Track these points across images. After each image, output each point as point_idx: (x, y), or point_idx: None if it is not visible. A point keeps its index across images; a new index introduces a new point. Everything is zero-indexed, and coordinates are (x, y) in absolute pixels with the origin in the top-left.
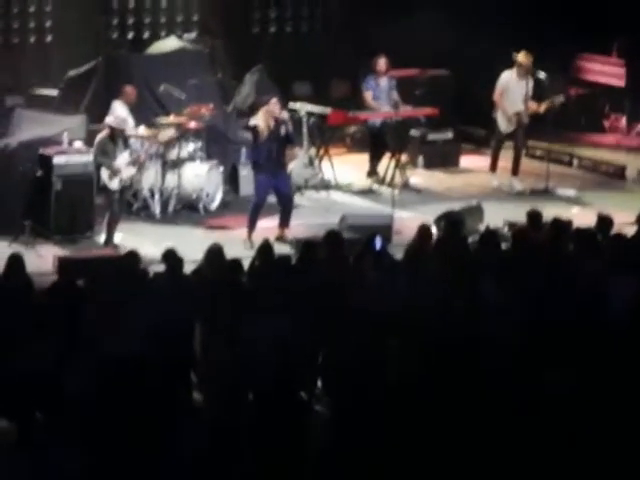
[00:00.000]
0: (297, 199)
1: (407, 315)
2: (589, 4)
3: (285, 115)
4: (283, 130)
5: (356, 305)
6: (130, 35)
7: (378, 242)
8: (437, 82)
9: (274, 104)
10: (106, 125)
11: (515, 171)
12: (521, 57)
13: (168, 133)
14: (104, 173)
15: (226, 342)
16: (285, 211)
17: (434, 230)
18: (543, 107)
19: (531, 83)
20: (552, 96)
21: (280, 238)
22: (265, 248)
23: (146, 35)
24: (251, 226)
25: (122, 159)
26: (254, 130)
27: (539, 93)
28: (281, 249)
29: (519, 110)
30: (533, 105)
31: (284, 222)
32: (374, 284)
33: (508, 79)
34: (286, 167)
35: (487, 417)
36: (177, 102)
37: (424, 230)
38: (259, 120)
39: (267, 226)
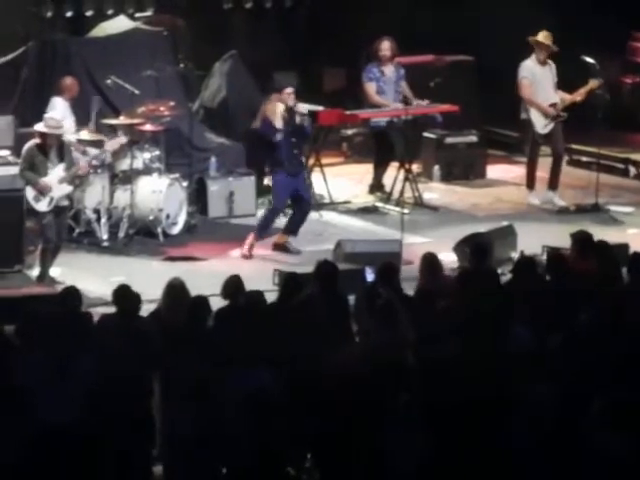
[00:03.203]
0: (280, 221)
1: (412, 370)
2: None
3: (303, 109)
4: (298, 120)
5: (348, 357)
6: (68, 13)
7: (369, 274)
8: (457, 71)
9: (288, 94)
10: (35, 131)
11: (554, 183)
12: (541, 38)
13: (118, 140)
14: (29, 192)
15: (191, 402)
16: (300, 216)
17: (453, 259)
18: (580, 95)
19: (554, 68)
20: (591, 80)
21: (281, 246)
22: (234, 283)
23: (88, 13)
24: (259, 237)
25: (55, 174)
26: (268, 126)
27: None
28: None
29: (554, 103)
30: (566, 96)
31: (294, 229)
32: (367, 329)
33: (531, 69)
34: (305, 166)
35: None
36: (129, 99)
37: (428, 261)
38: (271, 113)
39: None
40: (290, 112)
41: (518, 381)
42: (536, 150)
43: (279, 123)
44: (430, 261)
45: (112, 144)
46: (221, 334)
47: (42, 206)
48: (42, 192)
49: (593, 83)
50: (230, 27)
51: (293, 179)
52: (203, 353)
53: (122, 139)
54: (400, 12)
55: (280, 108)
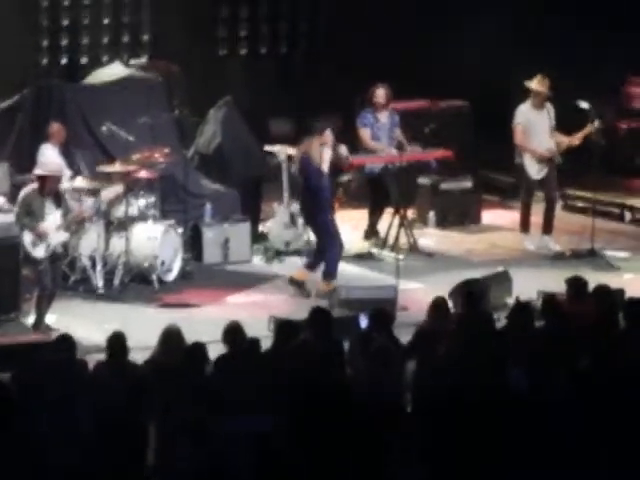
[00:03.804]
0: (276, 267)
1: (409, 413)
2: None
3: (344, 150)
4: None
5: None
6: (64, 60)
7: (363, 320)
8: (452, 116)
9: (328, 135)
10: (34, 176)
11: (548, 228)
12: (536, 84)
13: (114, 188)
14: (27, 238)
15: (188, 448)
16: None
17: (449, 305)
18: (577, 139)
19: (552, 112)
20: (588, 124)
21: (298, 282)
22: (233, 331)
23: (84, 60)
24: (333, 277)
25: (52, 220)
26: (315, 171)
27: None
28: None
29: (549, 148)
30: (564, 139)
31: (315, 265)
32: (363, 375)
33: (526, 114)
34: None
35: None
36: (124, 146)
37: (439, 305)
38: (315, 156)
39: (239, 301)
40: (333, 154)
41: (514, 425)
42: (530, 195)
43: (326, 166)
44: (440, 305)
45: (108, 193)
46: (220, 380)
47: (39, 252)
48: (40, 238)
49: (590, 127)
50: (225, 73)
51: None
52: (200, 399)
53: (118, 188)
54: (396, 58)
55: (327, 154)
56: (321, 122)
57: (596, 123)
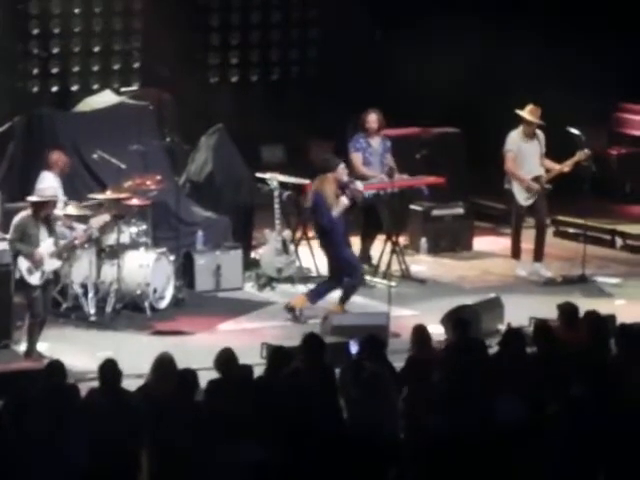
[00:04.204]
0: (268, 294)
1: (402, 442)
2: (631, 44)
3: (359, 185)
4: (353, 196)
5: (334, 430)
6: (54, 88)
7: (354, 346)
8: (444, 143)
9: (342, 170)
10: (29, 202)
11: (539, 255)
12: (527, 113)
13: (102, 217)
14: (23, 264)
15: (181, 476)
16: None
17: (441, 332)
18: (567, 166)
19: (543, 139)
20: (578, 151)
21: (294, 308)
22: (226, 358)
23: (74, 88)
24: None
25: (45, 247)
26: (325, 212)
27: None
28: None
29: (538, 175)
30: (554, 166)
31: (320, 297)
32: (354, 403)
33: (516, 141)
34: None
35: None
36: (115, 173)
37: (419, 333)
38: (329, 195)
39: (232, 329)
40: (346, 189)
41: (506, 453)
42: (520, 221)
43: (337, 213)
44: (420, 332)
45: (97, 221)
46: (212, 407)
47: (34, 279)
48: (37, 264)
49: (580, 154)
50: (216, 100)
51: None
52: (192, 426)
53: (106, 216)
54: (387, 84)
55: (343, 203)
56: (332, 158)
57: (586, 150)
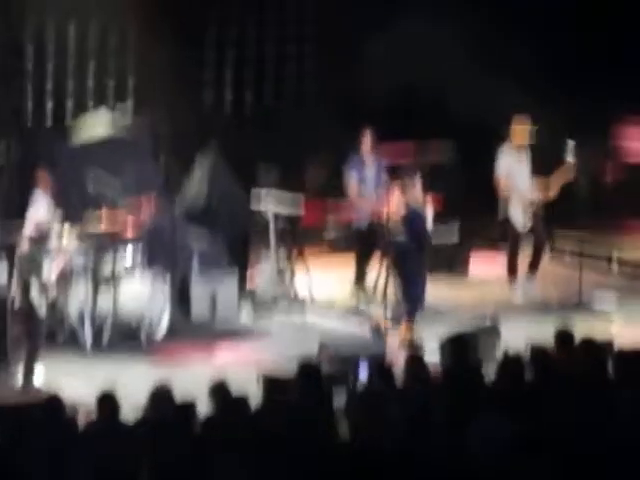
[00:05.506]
0: (264, 324)
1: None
2: (634, 51)
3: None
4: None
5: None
6: (49, 105)
7: (363, 369)
8: (437, 164)
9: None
10: (26, 235)
11: (533, 269)
12: (514, 127)
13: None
14: (34, 293)
15: None
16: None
17: (436, 359)
18: (553, 189)
19: (529, 154)
20: (560, 169)
21: (409, 341)
22: (219, 389)
23: (69, 104)
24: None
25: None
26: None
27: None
28: None
29: (531, 200)
30: (541, 193)
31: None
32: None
33: (507, 159)
34: None
35: None
36: (110, 196)
37: (411, 362)
38: (413, 197)
39: (228, 358)
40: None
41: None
42: (516, 245)
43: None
44: (413, 361)
45: (93, 228)
46: (207, 442)
47: (42, 309)
48: (48, 290)
49: (564, 171)
50: (211, 122)
51: None
52: (188, 460)
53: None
54: (382, 103)
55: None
56: (406, 169)
57: (569, 159)
